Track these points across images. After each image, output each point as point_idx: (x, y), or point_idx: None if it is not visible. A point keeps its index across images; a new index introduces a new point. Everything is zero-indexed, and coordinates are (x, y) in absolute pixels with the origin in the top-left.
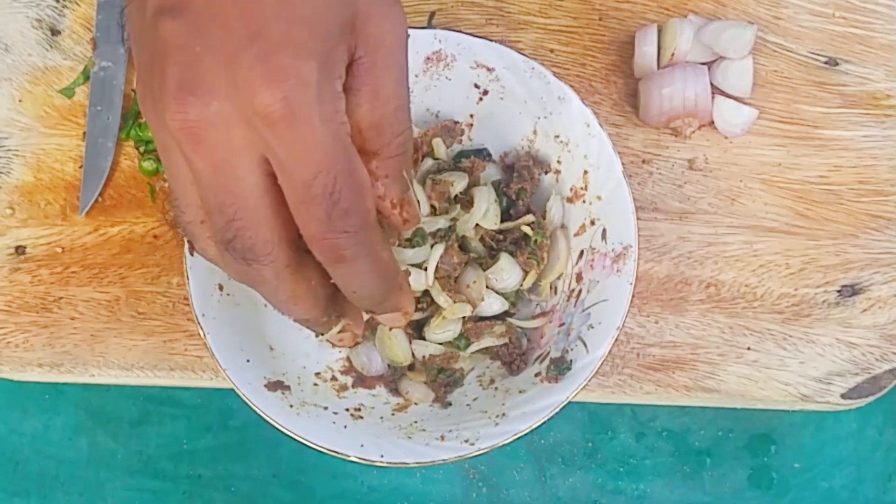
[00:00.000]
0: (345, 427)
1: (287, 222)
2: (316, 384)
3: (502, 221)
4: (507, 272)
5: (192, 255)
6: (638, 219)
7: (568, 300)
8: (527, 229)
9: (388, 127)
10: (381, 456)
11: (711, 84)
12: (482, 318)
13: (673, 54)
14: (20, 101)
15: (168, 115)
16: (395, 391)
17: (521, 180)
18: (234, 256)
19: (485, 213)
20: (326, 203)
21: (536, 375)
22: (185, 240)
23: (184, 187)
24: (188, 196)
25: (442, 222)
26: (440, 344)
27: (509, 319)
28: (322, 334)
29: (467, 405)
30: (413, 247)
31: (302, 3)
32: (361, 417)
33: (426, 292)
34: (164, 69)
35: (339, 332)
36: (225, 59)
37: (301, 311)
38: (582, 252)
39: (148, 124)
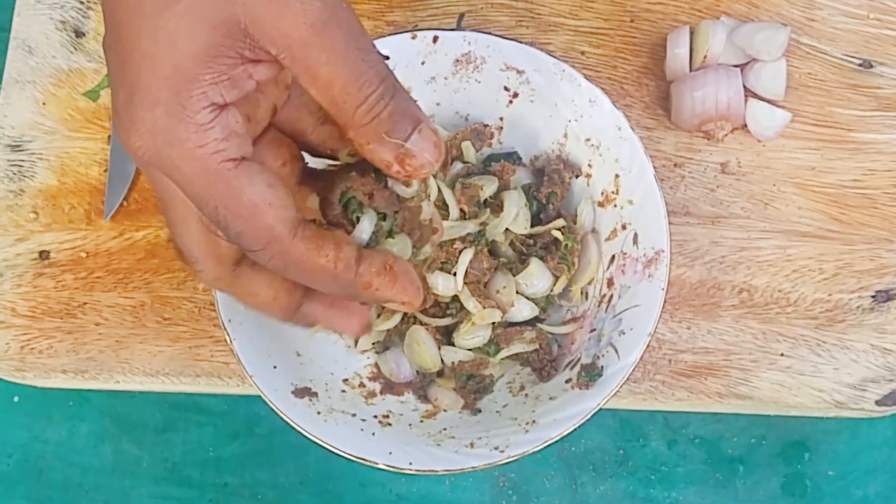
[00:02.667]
0: (373, 434)
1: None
2: (344, 391)
3: (532, 226)
4: (537, 277)
5: None
6: (670, 223)
7: (599, 305)
8: (557, 234)
9: (343, 104)
10: (410, 463)
11: (744, 86)
12: (512, 324)
13: (705, 56)
14: (44, 103)
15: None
16: (424, 398)
17: (551, 184)
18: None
19: (515, 217)
20: (223, 230)
21: (567, 382)
22: None
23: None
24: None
25: (471, 227)
26: (469, 350)
27: (539, 325)
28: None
29: (497, 412)
30: (392, 236)
31: (152, 51)
32: (390, 424)
33: (455, 298)
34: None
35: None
36: (123, 110)
37: (270, 312)
38: (613, 257)
39: None
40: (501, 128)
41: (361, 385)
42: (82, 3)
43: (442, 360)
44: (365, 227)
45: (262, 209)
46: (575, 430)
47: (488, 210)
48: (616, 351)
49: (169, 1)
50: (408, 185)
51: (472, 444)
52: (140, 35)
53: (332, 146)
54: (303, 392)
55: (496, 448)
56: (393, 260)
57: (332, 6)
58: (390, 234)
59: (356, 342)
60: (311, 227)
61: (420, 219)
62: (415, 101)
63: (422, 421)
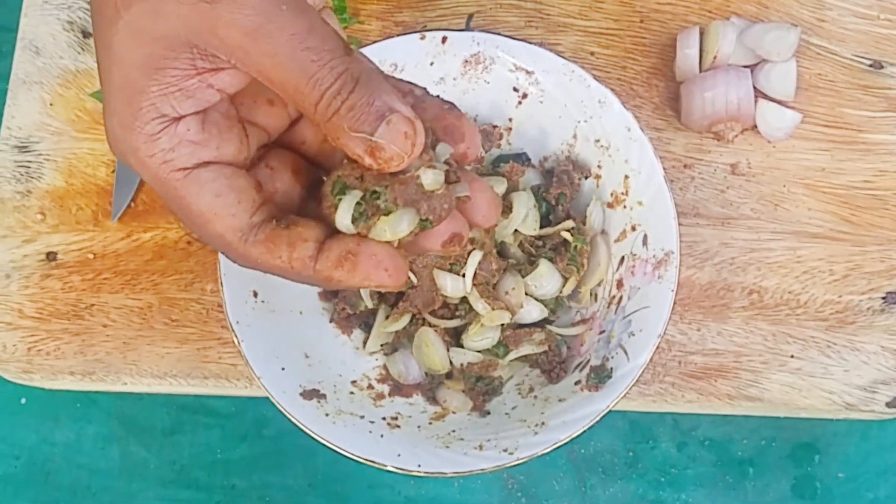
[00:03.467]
0: (381, 436)
1: None
2: (352, 392)
3: (541, 227)
4: (546, 279)
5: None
6: (680, 224)
7: (608, 307)
8: (567, 235)
9: (302, 103)
10: (419, 465)
11: (754, 87)
12: (521, 326)
13: (715, 57)
14: (51, 104)
15: None
16: (433, 400)
17: (560, 185)
18: None
19: (524, 218)
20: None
21: (576, 384)
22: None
23: None
24: None
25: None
26: (478, 352)
27: (549, 327)
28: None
29: (506, 414)
30: (387, 213)
31: (107, 63)
32: (398, 426)
33: (464, 299)
34: None
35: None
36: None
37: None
38: (623, 258)
39: None
40: (510, 129)
41: (370, 387)
42: (90, 3)
43: (451, 362)
44: (343, 211)
45: (209, 219)
46: (584, 432)
47: None
48: (625, 352)
49: (114, 17)
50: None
51: (480, 446)
52: (99, 48)
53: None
54: (311, 394)
55: (505, 450)
56: (354, 246)
57: (265, 11)
58: (387, 210)
59: (364, 343)
60: (266, 230)
61: (426, 189)
62: (390, 89)
63: (430, 423)
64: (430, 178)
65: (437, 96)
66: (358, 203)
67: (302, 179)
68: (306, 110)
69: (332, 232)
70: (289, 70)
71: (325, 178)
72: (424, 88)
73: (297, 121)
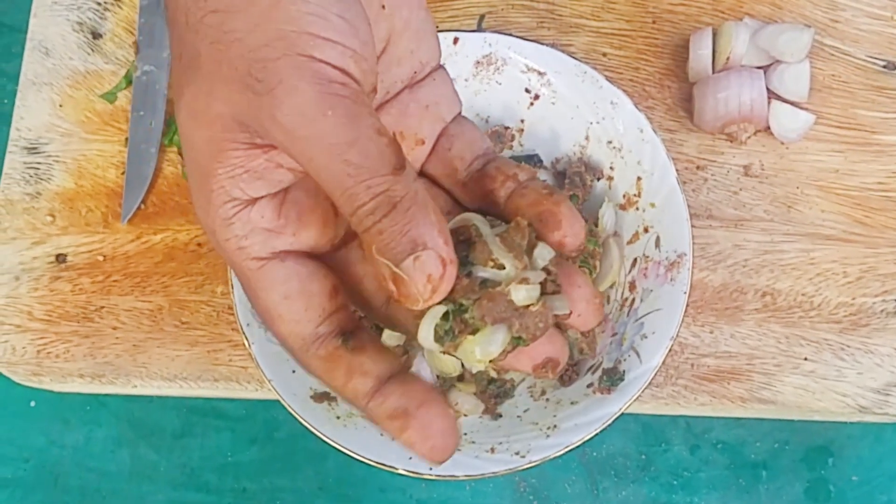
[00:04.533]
0: (393, 439)
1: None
2: None
3: None
4: None
5: None
6: (692, 226)
7: (621, 309)
8: None
9: (339, 208)
10: (430, 468)
11: (767, 88)
12: None
13: (728, 58)
14: (61, 105)
15: None
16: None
17: (572, 187)
18: None
19: None
20: None
21: (588, 386)
22: None
23: None
24: None
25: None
26: None
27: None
28: None
29: (518, 417)
30: (475, 331)
31: (182, 142)
32: None
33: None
34: None
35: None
36: None
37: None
38: (635, 260)
39: None
40: (522, 130)
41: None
42: (99, 4)
43: (462, 365)
44: (426, 327)
45: (274, 318)
46: (596, 434)
47: None
48: (638, 355)
49: (178, 96)
50: (501, 268)
51: (492, 449)
52: (177, 123)
53: None
54: (322, 397)
55: (517, 453)
56: (414, 408)
57: (305, 114)
58: (474, 327)
59: None
60: (329, 346)
61: (517, 305)
62: (432, 222)
63: None
64: (523, 295)
65: (544, 181)
66: (444, 313)
67: None
68: (344, 212)
69: (399, 368)
70: (324, 178)
71: None
72: (534, 172)
73: None
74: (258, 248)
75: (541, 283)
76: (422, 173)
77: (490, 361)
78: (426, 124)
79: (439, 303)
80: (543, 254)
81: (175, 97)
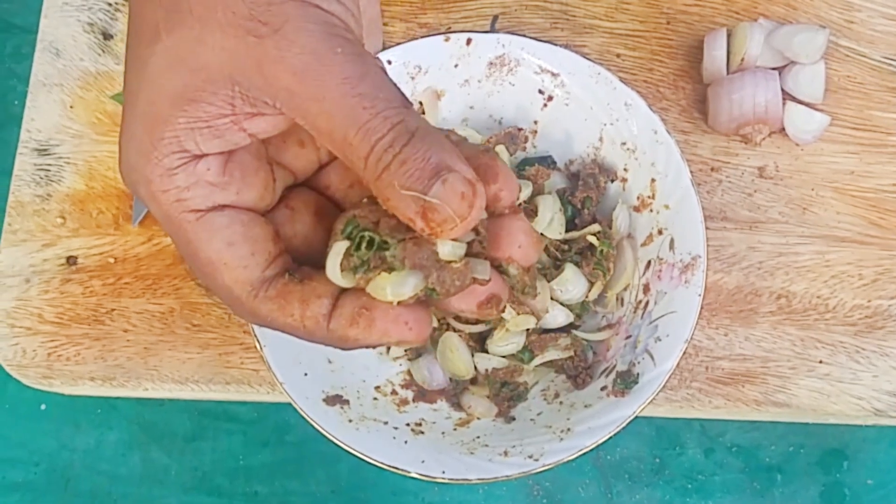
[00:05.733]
0: (405, 442)
1: None
2: (376, 398)
3: (567, 231)
4: (572, 283)
5: None
6: (707, 228)
7: (635, 312)
8: (592, 239)
9: (350, 156)
10: (443, 472)
11: (782, 90)
12: (546, 331)
13: (743, 59)
14: (71, 107)
15: None
16: (457, 405)
17: (586, 189)
18: None
19: (549, 222)
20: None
21: (602, 389)
22: None
23: None
24: None
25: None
26: (503, 357)
27: (574, 332)
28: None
29: (531, 420)
30: (390, 270)
31: (135, 86)
32: (422, 432)
33: None
34: None
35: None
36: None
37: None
38: (649, 262)
39: None
40: (536, 131)
41: (394, 392)
42: (110, 4)
43: (475, 368)
44: (332, 258)
45: (218, 268)
46: (610, 438)
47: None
48: (652, 358)
49: (153, 38)
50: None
51: (505, 453)
52: (130, 65)
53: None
54: (334, 400)
55: (530, 456)
56: (370, 300)
57: (316, 51)
58: (391, 267)
59: (388, 349)
60: (278, 284)
61: (439, 257)
62: (448, 145)
63: (455, 429)
64: (448, 250)
65: (476, 145)
66: (365, 249)
67: (325, 223)
68: (355, 164)
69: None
70: (337, 117)
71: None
72: (463, 137)
73: (326, 165)
74: (199, 200)
75: (468, 244)
76: None
77: (399, 302)
78: None
79: (348, 238)
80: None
81: (143, 40)
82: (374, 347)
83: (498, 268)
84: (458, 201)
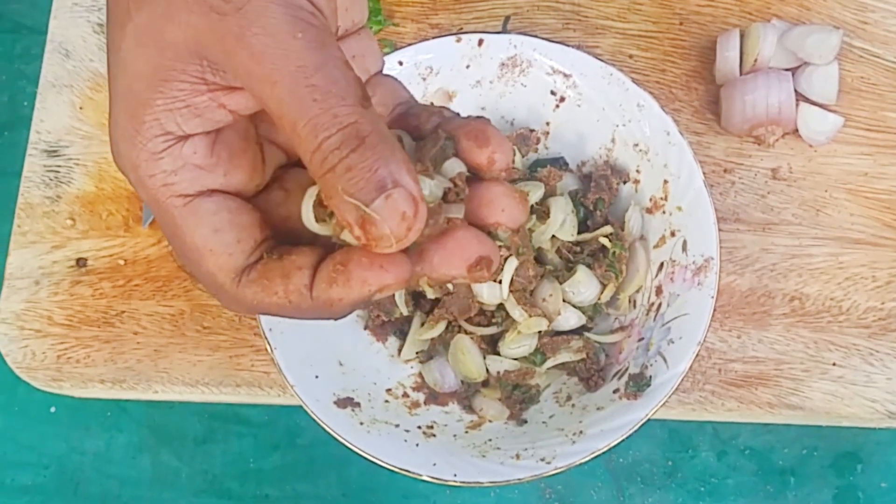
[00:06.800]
0: (417, 445)
1: None
2: (387, 401)
3: (579, 233)
4: (584, 285)
5: None
6: (719, 230)
7: (647, 314)
8: (605, 241)
9: (298, 146)
10: (455, 475)
11: (795, 91)
12: (558, 333)
13: (756, 60)
14: (81, 108)
15: None
16: (469, 408)
17: (598, 190)
18: None
19: (561, 224)
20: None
21: (615, 392)
22: None
23: None
24: None
25: None
26: (515, 359)
27: (586, 334)
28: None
29: (543, 422)
30: None
31: (114, 70)
32: (434, 435)
33: (501, 306)
34: None
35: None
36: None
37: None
38: (662, 264)
39: None
40: (548, 133)
41: (405, 395)
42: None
43: (487, 370)
44: (306, 204)
45: (203, 255)
46: (623, 440)
47: (534, 217)
48: (665, 360)
49: (125, 19)
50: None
51: (517, 456)
52: (109, 51)
53: None
54: (345, 402)
55: (542, 459)
56: (344, 256)
57: (275, 35)
58: None
59: (399, 351)
60: (258, 266)
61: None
62: (400, 155)
63: (466, 432)
64: (424, 191)
65: (464, 117)
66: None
67: None
68: (301, 155)
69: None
70: (287, 105)
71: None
72: (455, 113)
73: None
74: (186, 184)
75: (445, 191)
76: None
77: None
78: None
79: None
80: (454, 166)
81: (116, 22)
82: (363, 307)
83: (488, 234)
84: (397, 221)
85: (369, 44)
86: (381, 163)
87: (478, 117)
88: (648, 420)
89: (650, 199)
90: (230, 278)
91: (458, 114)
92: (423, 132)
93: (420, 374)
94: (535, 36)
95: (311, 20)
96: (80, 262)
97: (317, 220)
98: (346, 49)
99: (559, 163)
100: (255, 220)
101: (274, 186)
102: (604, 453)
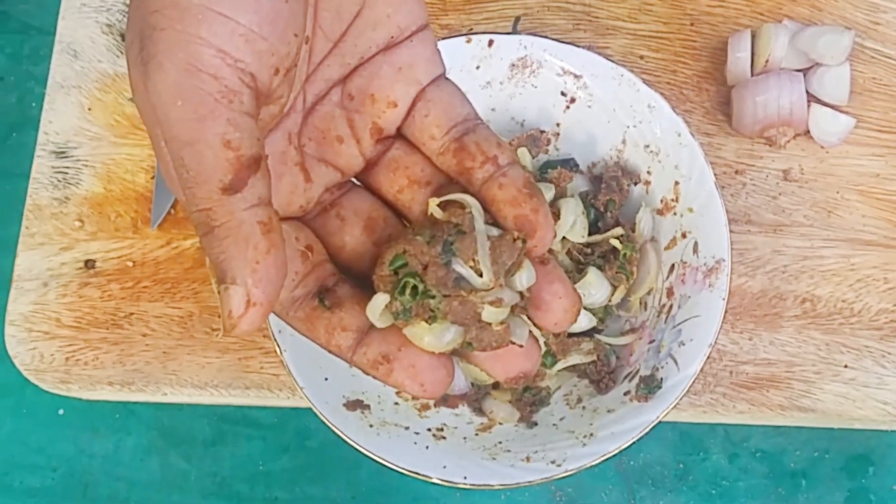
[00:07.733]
0: (427, 448)
1: None
2: (397, 403)
3: (590, 234)
4: (595, 287)
5: None
6: (731, 231)
7: (658, 316)
8: (615, 242)
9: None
10: (465, 478)
11: (807, 91)
12: (569, 335)
13: (767, 61)
14: (89, 109)
15: None
16: (479, 410)
17: (609, 192)
18: None
19: (572, 225)
20: None
21: (625, 394)
22: None
23: None
24: None
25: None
26: None
27: (597, 336)
28: None
29: (554, 425)
30: (432, 319)
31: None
32: (444, 438)
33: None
34: None
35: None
36: None
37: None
38: (673, 266)
39: None
40: (558, 134)
41: (415, 397)
42: (128, 5)
43: None
44: (376, 306)
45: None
46: (633, 443)
47: None
48: (676, 362)
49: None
50: (479, 274)
51: (528, 458)
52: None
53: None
54: (355, 405)
55: (553, 462)
56: (394, 350)
57: (159, 96)
58: (433, 316)
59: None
60: (307, 307)
61: (483, 319)
62: (248, 254)
63: (477, 434)
64: (491, 314)
65: (524, 168)
66: (409, 296)
67: (374, 237)
68: None
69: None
70: (167, 167)
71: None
72: (514, 156)
73: (375, 163)
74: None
75: (511, 307)
76: (401, 137)
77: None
78: (398, 86)
79: (394, 272)
80: (524, 278)
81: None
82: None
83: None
84: (227, 314)
85: (421, 51)
86: (226, 256)
87: (531, 191)
88: (659, 422)
89: (661, 201)
90: (278, 309)
91: (515, 158)
92: (474, 182)
93: None
94: (546, 37)
95: (205, 85)
96: (89, 264)
97: (390, 312)
98: (391, 60)
99: (570, 164)
100: (297, 253)
101: (330, 212)
102: (614, 456)
